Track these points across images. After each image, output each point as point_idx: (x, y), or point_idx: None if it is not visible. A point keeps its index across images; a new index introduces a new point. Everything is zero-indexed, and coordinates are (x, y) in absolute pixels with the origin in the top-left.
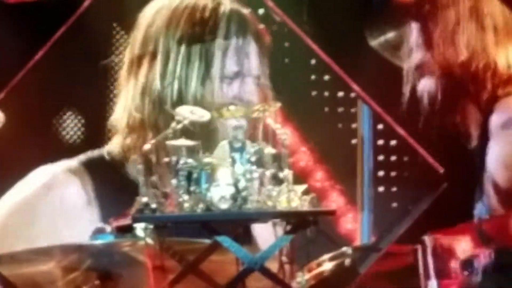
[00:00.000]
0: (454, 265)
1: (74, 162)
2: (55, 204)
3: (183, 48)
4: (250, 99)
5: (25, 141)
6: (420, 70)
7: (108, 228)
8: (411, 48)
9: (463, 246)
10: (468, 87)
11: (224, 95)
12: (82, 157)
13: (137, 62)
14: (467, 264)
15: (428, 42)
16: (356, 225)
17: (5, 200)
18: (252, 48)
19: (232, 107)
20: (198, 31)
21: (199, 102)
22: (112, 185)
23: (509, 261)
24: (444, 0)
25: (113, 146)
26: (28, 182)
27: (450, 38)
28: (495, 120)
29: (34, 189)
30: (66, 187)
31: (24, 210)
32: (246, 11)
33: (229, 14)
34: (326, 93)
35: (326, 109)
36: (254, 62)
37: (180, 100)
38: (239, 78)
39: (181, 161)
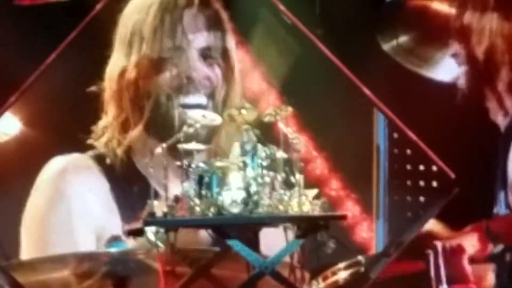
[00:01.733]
0: (465, 268)
1: (83, 155)
2: (68, 189)
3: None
4: (196, 76)
5: (45, 149)
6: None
7: (123, 236)
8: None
9: (472, 242)
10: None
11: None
12: (91, 152)
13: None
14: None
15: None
16: (371, 233)
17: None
18: (195, 19)
19: (244, 112)
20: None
21: None
22: (121, 178)
23: None
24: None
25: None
26: (46, 170)
27: (479, 29)
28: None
29: (51, 175)
30: (77, 173)
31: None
32: None
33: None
34: (344, 98)
35: (344, 114)
36: (198, 33)
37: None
38: (178, 53)
39: (193, 166)
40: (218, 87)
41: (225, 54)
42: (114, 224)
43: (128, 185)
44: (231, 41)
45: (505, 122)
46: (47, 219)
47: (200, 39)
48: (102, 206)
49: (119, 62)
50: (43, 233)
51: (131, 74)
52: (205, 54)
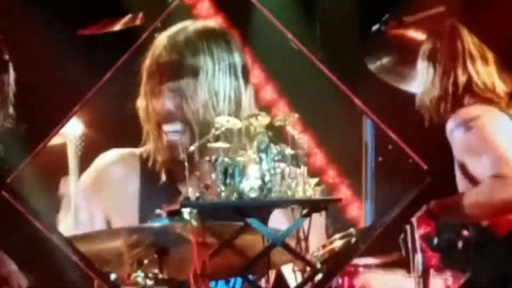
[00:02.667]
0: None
1: (133, 150)
2: (115, 176)
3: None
4: (171, 110)
5: (101, 146)
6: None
7: (164, 214)
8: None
9: (425, 226)
10: (458, 99)
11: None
12: (137, 150)
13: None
14: (427, 240)
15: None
16: (360, 212)
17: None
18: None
19: (260, 118)
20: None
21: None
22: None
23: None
24: (441, 42)
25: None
26: (93, 165)
27: (449, 66)
28: (448, 125)
29: (102, 165)
30: (119, 168)
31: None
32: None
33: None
34: (339, 107)
35: (338, 119)
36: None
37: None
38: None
39: (219, 160)
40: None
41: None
42: (129, 210)
43: (156, 181)
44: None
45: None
46: (82, 190)
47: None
48: (125, 193)
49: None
50: (86, 198)
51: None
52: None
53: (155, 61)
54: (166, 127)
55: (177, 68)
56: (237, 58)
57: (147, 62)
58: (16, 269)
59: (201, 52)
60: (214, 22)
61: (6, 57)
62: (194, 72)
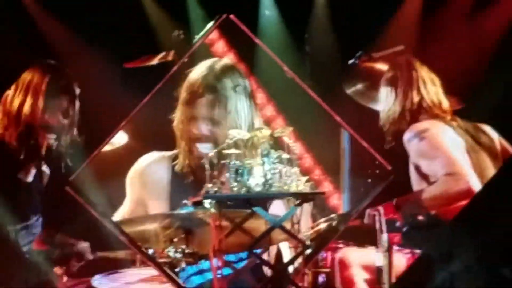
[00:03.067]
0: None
1: (167, 152)
2: (152, 173)
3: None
4: (207, 134)
5: (141, 151)
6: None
7: (189, 204)
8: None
9: (392, 214)
10: (413, 114)
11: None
12: (170, 152)
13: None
14: (390, 224)
15: (392, 92)
16: (339, 201)
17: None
18: (203, 100)
19: (263, 131)
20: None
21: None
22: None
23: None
24: (396, 71)
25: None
26: (136, 165)
27: (405, 90)
28: (405, 136)
29: (143, 164)
30: (156, 166)
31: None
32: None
33: (203, 81)
34: (323, 121)
35: (323, 131)
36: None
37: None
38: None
39: (232, 163)
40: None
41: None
42: (161, 199)
43: (182, 177)
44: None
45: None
46: (129, 183)
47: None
48: (159, 186)
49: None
50: (131, 192)
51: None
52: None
53: (191, 95)
54: (199, 146)
55: (211, 101)
56: (248, 86)
57: (184, 95)
58: (86, 244)
59: (228, 86)
60: (230, 59)
61: (77, 91)
62: (224, 103)
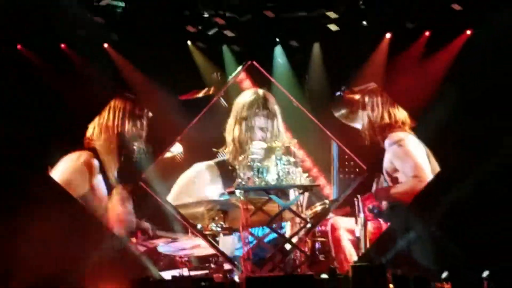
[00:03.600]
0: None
1: (211, 161)
2: (200, 178)
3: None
4: (263, 137)
5: (190, 158)
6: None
7: (226, 193)
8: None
9: (371, 201)
10: (382, 129)
11: (256, 137)
12: (216, 159)
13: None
14: (371, 209)
15: (366, 114)
16: (330, 191)
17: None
18: (263, 124)
19: (277, 142)
20: (248, 113)
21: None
22: (225, 172)
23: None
24: (370, 100)
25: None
26: (191, 169)
27: (378, 112)
28: (386, 142)
29: (193, 171)
30: (205, 171)
31: (189, 180)
32: (265, 97)
33: (257, 105)
34: (318, 135)
35: (318, 142)
36: (263, 121)
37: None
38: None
39: (255, 165)
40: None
41: (273, 118)
42: (216, 193)
43: (229, 177)
44: (277, 111)
45: (383, 145)
46: (182, 182)
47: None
48: (211, 185)
49: (232, 125)
50: (178, 191)
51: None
52: (262, 128)
53: (246, 113)
54: (255, 143)
55: (263, 118)
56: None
57: (237, 112)
58: (148, 224)
59: (269, 105)
60: (259, 90)
61: (145, 111)
62: (271, 117)
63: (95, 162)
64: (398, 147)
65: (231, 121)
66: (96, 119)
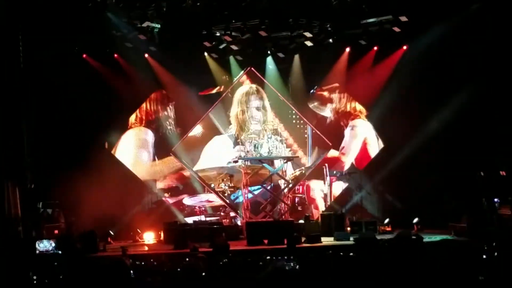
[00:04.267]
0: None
1: (225, 135)
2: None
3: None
4: (259, 116)
5: (208, 136)
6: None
7: (232, 162)
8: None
9: (336, 167)
10: (346, 115)
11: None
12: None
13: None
14: (334, 174)
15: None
16: (306, 161)
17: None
18: (257, 104)
19: (268, 125)
20: (246, 98)
21: (249, 121)
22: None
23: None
24: (335, 96)
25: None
26: (213, 139)
27: (340, 104)
28: (348, 126)
29: (215, 140)
30: (224, 138)
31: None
32: (257, 87)
33: (251, 93)
34: (298, 121)
35: (298, 126)
36: (258, 102)
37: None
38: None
39: (252, 141)
40: (262, 118)
41: (264, 107)
42: (227, 158)
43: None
44: (266, 102)
45: (345, 128)
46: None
47: (256, 102)
48: (224, 150)
49: (235, 108)
50: (203, 155)
51: (239, 113)
52: (257, 107)
53: (244, 98)
54: (252, 125)
55: (257, 100)
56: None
57: (238, 99)
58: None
59: (262, 94)
60: (252, 84)
61: (171, 105)
62: (263, 101)
63: (147, 137)
64: (351, 130)
65: (234, 106)
66: (137, 110)
